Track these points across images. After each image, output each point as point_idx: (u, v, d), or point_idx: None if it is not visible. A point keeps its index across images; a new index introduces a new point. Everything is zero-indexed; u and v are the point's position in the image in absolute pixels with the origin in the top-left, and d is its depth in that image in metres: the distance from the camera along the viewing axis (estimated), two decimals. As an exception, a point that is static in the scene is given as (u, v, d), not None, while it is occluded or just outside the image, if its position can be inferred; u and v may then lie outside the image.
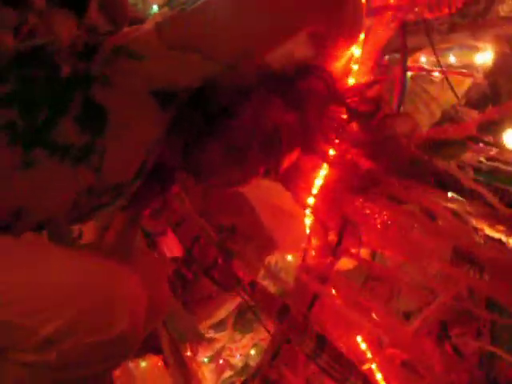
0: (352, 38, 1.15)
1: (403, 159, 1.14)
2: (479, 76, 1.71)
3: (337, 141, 1.12)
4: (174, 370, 1.83)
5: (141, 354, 1.89)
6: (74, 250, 1.01)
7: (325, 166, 1.21)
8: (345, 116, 1.07)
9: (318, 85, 1.03)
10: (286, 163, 1.08)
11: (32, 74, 0.89)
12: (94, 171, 0.93)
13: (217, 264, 1.44)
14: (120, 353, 0.86)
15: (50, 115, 0.88)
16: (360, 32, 1.16)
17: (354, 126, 1.10)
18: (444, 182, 1.26)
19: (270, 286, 2.00)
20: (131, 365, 1.89)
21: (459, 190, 1.26)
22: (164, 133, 1.00)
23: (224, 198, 1.72)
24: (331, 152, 1.14)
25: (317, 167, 1.22)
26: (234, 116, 1.01)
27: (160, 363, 1.87)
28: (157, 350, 1.84)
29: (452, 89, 1.55)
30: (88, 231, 1.26)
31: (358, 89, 1.11)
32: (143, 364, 1.92)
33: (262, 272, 1.96)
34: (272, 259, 2.05)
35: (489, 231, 1.32)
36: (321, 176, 1.24)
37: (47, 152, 0.89)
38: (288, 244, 1.78)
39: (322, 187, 1.25)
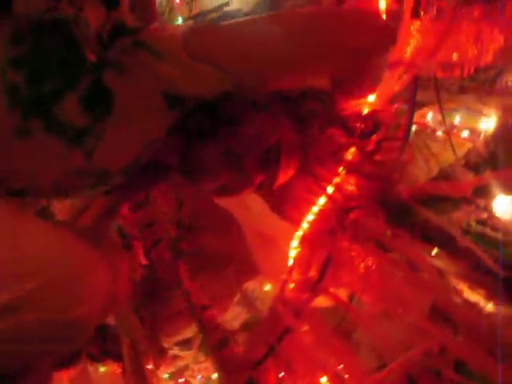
0: (367, 92, 1.19)
1: (393, 197, 1.16)
2: (480, 141, 1.75)
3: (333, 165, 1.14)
4: (131, 380, 1.80)
5: (101, 358, 1.86)
6: (51, 224, 1.00)
7: (318, 196, 1.23)
8: (343, 139, 1.10)
9: (319, 107, 1.06)
10: (282, 179, 1.09)
11: (50, 43, 0.89)
12: (86, 155, 0.93)
13: (163, 260, 1.45)
14: (70, 337, 0.86)
15: (57, 88, 0.89)
16: (376, 87, 1.20)
17: (351, 150, 1.13)
18: (432, 237, 1.27)
19: (243, 313, 1.98)
20: (90, 368, 1.86)
21: (446, 246, 1.27)
22: (165, 133, 1.01)
23: (213, 213, 1.72)
24: (325, 177, 1.16)
25: (311, 194, 1.24)
26: (239, 124, 1.02)
27: (119, 371, 1.83)
28: (118, 357, 1.81)
29: (453, 149, 1.59)
30: (61, 210, 1.25)
31: (360, 112, 1.14)
32: (102, 369, 1.89)
33: (237, 297, 1.95)
34: (250, 286, 2.04)
35: (468, 293, 1.33)
36: (313, 206, 1.25)
37: (44, 124, 0.89)
38: (270, 273, 1.78)
39: (313, 218, 1.26)
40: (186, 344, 2.00)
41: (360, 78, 1.10)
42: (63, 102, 0.89)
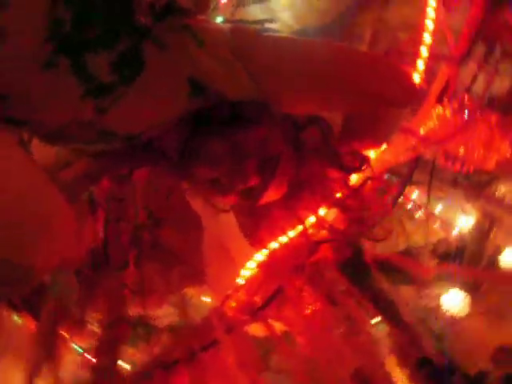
0: (372, 145, 1.24)
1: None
2: (453, 234, 1.82)
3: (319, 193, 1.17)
4: (41, 340, 1.75)
5: (21, 309, 1.80)
6: (34, 163, 0.97)
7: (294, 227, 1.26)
8: (335, 173, 1.14)
9: (318, 137, 1.10)
10: (271, 193, 1.12)
11: None
12: (98, 110, 0.93)
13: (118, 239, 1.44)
14: (14, 282, 0.83)
15: (97, 38, 0.89)
16: (381, 145, 1.26)
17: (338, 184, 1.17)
18: (380, 304, 1.31)
19: (174, 315, 1.97)
20: (4, 313, 1.80)
21: (389, 318, 1.31)
22: (178, 118, 1.02)
23: (182, 211, 1.72)
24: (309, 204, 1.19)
25: (287, 225, 1.26)
26: (251, 126, 1.05)
27: (33, 327, 1.78)
28: (37, 314, 1.76)
29: (426, 233, 1.65)
30: (40, 154, 1.22)
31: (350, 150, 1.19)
32: (16, 319, 1.83)
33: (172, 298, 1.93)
34: (190, 291, 2.03)
35: (393, 368, 1.36)
36: (284, 237, 1.28)
37: (71, 66, 0.88)
38: (215, 286, 1.78)
39: (280, 248, 1.29)
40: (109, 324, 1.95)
41: (373, 127, 1.15)
42: (97, 53, 0.90)
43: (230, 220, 1.49)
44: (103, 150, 1.09)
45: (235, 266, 1.58)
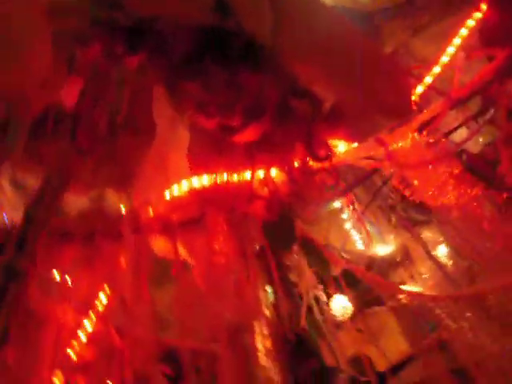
0: (351, 140, 1.29)
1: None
2: (369, 253, 1.92)
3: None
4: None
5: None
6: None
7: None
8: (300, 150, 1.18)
9: (307, 108, 1.14)
10: (244, 136, 1.14)
11: None
12: None
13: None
14: None
15: None
16: (362, 140, 1.31)
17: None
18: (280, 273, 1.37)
19: (86, 204, 1.93)
20: None
21: (281, 289, 1.37)
22: (192, 29, 1.03)
23: (143, 115, 1.70)
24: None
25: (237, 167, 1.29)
26: (257, 70, 1.07)
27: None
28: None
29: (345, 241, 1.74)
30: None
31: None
32: None
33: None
34: (111, 193, 2.00)
35: (262, 336, 1.42)
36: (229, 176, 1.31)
37: None
38: (140, 192, 1.77)
39: (218, 184, 1.32)
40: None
41: (356, 122, 1.19)
42: None
43: (180, 137, 1.49)
44: (103, 19, 1.07)
45: (168, 181, 1.58)
